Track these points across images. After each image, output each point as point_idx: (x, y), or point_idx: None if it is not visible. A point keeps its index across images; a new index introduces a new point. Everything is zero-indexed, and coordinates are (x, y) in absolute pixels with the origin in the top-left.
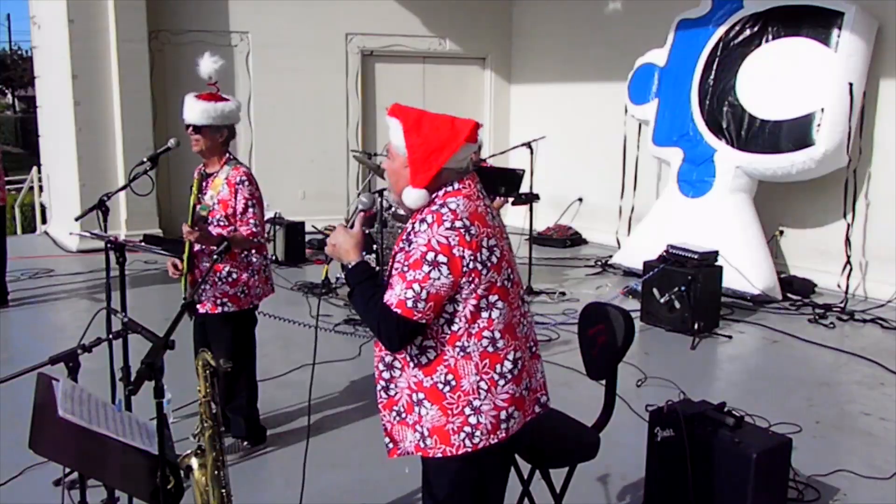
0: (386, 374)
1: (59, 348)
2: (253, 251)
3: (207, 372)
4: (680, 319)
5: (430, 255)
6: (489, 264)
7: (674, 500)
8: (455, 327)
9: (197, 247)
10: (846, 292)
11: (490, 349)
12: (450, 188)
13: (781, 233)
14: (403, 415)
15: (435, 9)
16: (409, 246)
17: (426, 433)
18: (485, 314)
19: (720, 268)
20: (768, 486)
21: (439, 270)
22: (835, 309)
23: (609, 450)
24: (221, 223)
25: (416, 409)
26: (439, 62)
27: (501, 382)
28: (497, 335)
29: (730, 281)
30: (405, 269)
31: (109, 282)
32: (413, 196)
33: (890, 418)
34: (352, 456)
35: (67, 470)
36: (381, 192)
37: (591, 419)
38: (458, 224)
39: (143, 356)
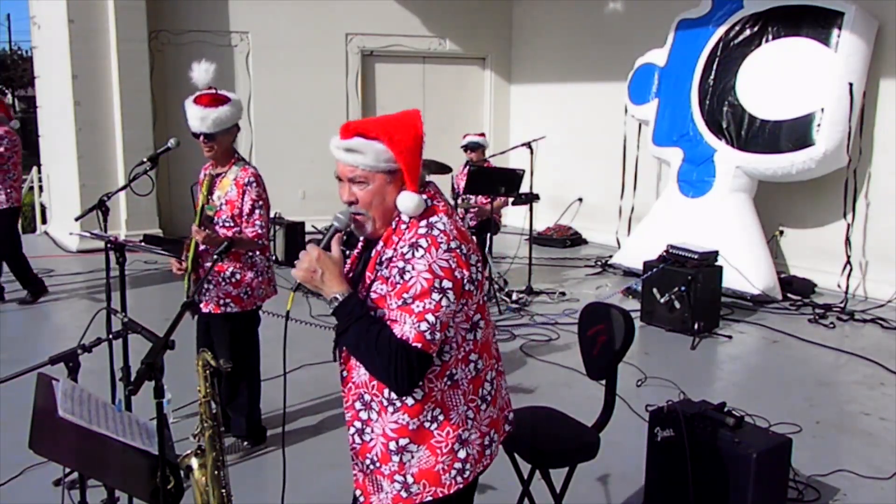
0: (363, 415)
1: (59, 348)
2: (257, 252)
3: (207, 372)
4: (680, 319)
5: (437, 282)
6: (476, 283)
7: (674, 500)
8: (446, 357)
9: (202, 245)
10: (846, 292)
11: (473, 373)
12: (424, 207)
13: (781, 233)
14: (378, 464)
15: (435, 9)
16: (401, 275)
17: (411, 480)
18: (470, 336)
19: (720, 268)
20: (768, 486)
21: (447, 297)
22: (835, 309)
23: (609, 450)
24: (227, 224)
25: (396, 457)
26: (439, 62)
27: (483, 406)
28: (477, 356)
29: (730, 281)
30: (408, 301)
31: (109, 282)
32: (415, 201)
33: (890, 418)
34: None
35: (67, 470)
36: None
37: (591, 419)
38: (453, 245)
39: (143, 356)
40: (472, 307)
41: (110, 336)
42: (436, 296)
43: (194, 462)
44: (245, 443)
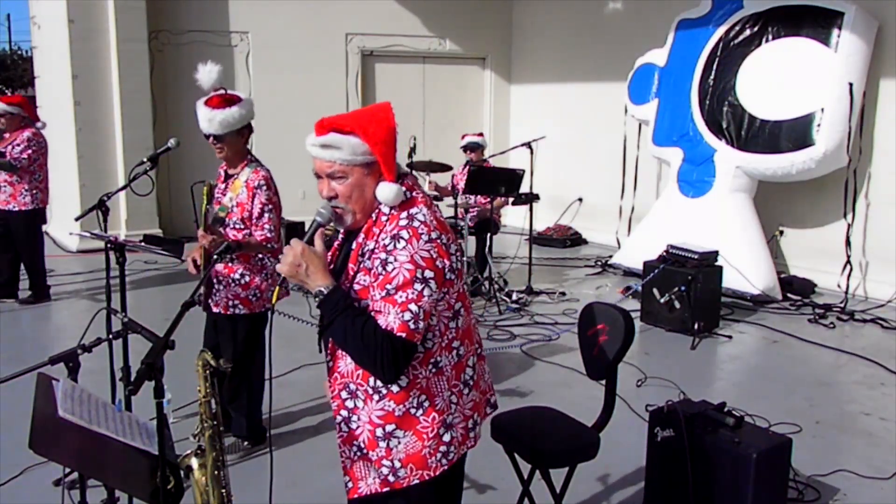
0: (350, 403)
1: (59, 348)
2: (267, 255)
3: (207, 372)
4: (680, 319)
5: (419, 273)
6: (456, 271)
7: (674, 500)
8: (429, 344)
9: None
10: (846, 292)
11: (456, 359)
12: (403, 198)
13: (781, 233)
14: (365, 451)
15: (435, 9)
16: (384, 267)
17: (398, 465)
18: (453, 324)
19: (720, 268)
20: (768, 486)
21: (429, 286)
22: (835, 309)
23: (609, 450)
24: (237, 226)
25: (383, 443)
26: (439, 62)
27: (466, 391)
28: (459, 343)
29: (730, 281)
30: (392, 291)
31: (109, 282)
32: (394, 190)
33: (890, 418)
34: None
35: (67, 470)
36: None
37: (591, 419)
38: (433, 235)
39: (143, 356)
40: (453, 295)
41: (110, 336)
42: (418, 286)
43: (194, 462)
44: (245, 443)
